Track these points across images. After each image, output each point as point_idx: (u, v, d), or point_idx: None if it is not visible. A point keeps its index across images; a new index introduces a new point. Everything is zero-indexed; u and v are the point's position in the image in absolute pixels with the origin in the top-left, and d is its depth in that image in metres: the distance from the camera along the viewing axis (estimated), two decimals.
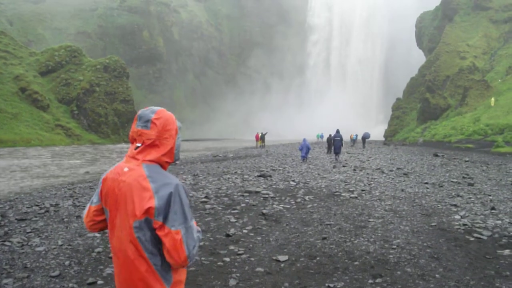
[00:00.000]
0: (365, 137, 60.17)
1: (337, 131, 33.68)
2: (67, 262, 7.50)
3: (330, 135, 43.15)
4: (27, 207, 12.94)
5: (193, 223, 2.89)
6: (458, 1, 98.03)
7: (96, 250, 8.24)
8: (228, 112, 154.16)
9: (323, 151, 45.47)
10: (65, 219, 11.19)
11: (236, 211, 11.90)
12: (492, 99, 61.66)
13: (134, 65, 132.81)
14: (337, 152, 32.39)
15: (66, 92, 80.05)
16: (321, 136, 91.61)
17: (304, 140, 31.89)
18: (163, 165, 3.01)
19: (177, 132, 3.09)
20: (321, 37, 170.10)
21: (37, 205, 13.29)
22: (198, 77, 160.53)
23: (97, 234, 9.40)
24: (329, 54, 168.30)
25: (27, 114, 68.88)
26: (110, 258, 7.82)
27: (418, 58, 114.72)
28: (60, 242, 8.77)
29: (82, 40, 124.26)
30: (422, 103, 79.57)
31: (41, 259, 7.67)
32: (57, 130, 70.85)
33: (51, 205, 13.33)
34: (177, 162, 3.15)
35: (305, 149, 31.03)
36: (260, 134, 59.15)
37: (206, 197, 14.11)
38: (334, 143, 32.60)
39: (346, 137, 64.52)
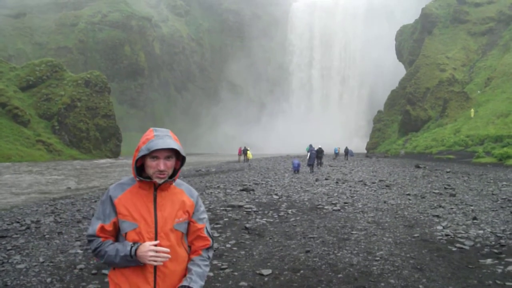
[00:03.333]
0: (347, 152, 62.72)
1: (310, 146, 37.81)
2: (48, 280, 7.41)
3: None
4: (7, 224, 12.78)
5: (94, 221, 3.30)
6: (437, 14, 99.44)
7: (78, 266, 8.15)
8: (210, 127, 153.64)
9: (304, 164, 45.55)
10: (47, 236, 11.06)
11: (219, 225, 11.86)
12: (472, 110, 62.47)
13: (115, 80, 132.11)
14: (310, 164, 34.94)
15: (47, 107, 79.38)
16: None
17: (296, 158, 36.01)
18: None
19: (137, 149, 3.24)
20: (302, 51, 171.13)
21: (17, 222, 13.13)
22: (180, 92, 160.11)
23: (79, 251, 9.30)
24: (310, 67, 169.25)
25: (7, 129, 68.14)
26: (93, 274, 7.76)
27: (398, 70, 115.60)
28: (41, 259, 8.67)
29: (63, 55, 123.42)
30: (403, 115, 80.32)
31: (22, 277, 7.57)
32: (38, 145, 70.16)
33: (32, 221, 13.18)
34: (137, 179, 3.29)
35: (296, 162, 33.67)
36: (242, 148, 58.97)
37: None
38: (309, 156, 35.27)
39: (329, 151, 65.15)
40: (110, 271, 3.32)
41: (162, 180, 3.26)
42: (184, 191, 3.45)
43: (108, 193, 3.30)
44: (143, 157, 3.26)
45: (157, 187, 3.30)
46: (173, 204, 3.34)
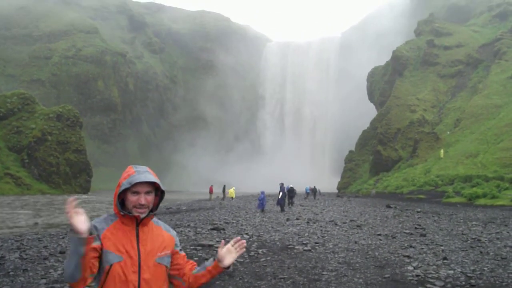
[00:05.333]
0: (315, 192, 64.83)
1: (281, 184, 36.32)
2: None
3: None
4: None
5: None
6: (407, 56, 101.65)
7: None
8: (182, 164, 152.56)
9: (274, 204, 45.47)
10: (11, 273, 10.75)
11: None
12: (442, 150, 63.41)
13: (87, 115, 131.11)
14: (281, 203, 34.29)
15: (17, 140, 78.28)
16: None
17: (262, 192, 34.42)
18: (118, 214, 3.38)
19: (118, 185, 3.34)
20: (275, 90, 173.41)
21: None
22: (153, 128, 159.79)
23: None
24: (283, 106, 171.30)
25: None
26: None
27: (370, 111, 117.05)
28: None
29: (35, 88, 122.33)
30: (374, 155, 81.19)
31: None
32: (6, 179, 68.95)
33: None
34: (121, 213, 3.34)
35: (263, 200, 33.17)
36: (222, 187, 58.55)
37: None
38: (280, 195, 34.78)
39: (300, 190, 65.47)
40: None
41: (144, 215, 3.36)
42: (162, 227, 3.58)
43: (92, 225, 3.25)
44: (124, 193, 3.35)
45: (139, 223, 3.39)
46: (153, 239, 3.44)
